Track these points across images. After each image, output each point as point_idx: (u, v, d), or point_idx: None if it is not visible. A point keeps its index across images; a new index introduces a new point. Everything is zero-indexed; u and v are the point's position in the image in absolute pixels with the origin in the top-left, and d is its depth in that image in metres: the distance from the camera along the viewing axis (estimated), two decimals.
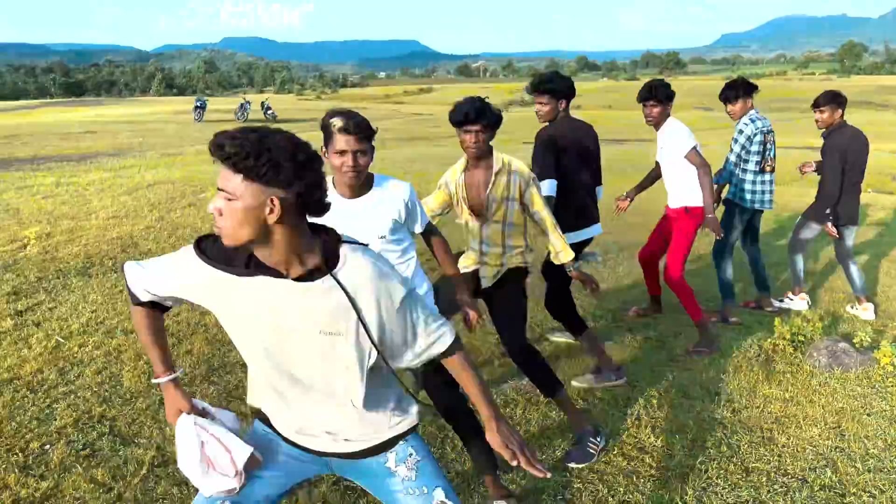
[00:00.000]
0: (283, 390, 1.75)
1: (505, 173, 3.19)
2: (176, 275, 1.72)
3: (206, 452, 1.71)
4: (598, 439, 3.19)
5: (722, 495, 2.88)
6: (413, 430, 1.89)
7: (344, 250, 1.64)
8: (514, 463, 1.75)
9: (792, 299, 5.30)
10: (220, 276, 1.64)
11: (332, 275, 1.61)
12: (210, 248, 1.67)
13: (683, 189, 4.46)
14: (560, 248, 3.33)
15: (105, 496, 2.81)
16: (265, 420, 1.88)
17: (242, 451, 1.72)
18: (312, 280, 1.61)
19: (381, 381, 1.79)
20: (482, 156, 3.17)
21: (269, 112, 31.33)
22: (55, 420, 3.40)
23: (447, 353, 1.80)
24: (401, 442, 1.86)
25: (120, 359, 4.17)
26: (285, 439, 1.85)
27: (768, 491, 2.91)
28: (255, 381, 1.84)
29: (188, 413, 1.80)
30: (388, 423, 1.83)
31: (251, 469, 1.76)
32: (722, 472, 3.06)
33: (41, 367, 4.01)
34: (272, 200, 1.49)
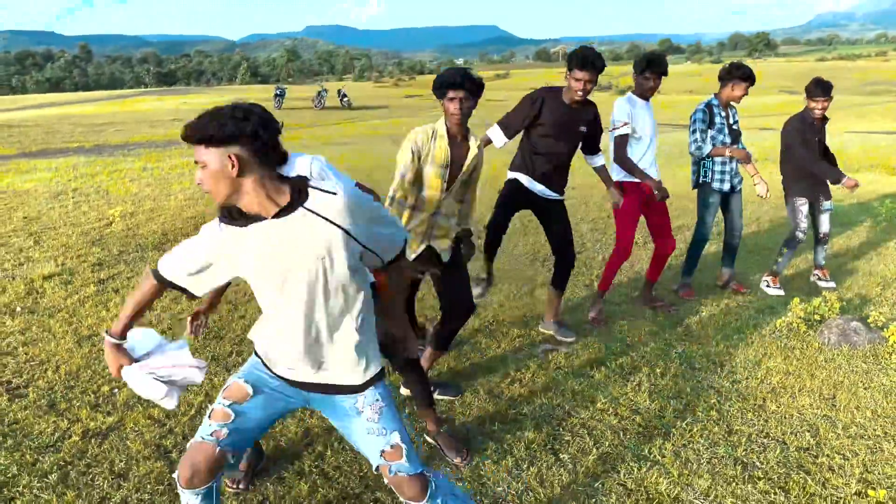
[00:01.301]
0: (286, 324, 2.08)
1: (477, 149, 3.41)
2: (203, 244, 2.05)
3: (162, 379, 2.18)
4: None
5: (699, 451, 3.14)
6: (381, 377, 2.22)
7: (313, 185, 1.97)
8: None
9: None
10: (231, 230, 1.98)
11: (303, 206, 1.93)
12: (223, 213, 2.03)
13: None
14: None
15: (159, 430, 3.32)
16: (261, 360, 2.22)
17: (183, 357, 2.22)
18: (288, 214, 1.93)
19: (364, 329, 2.14)
20: (463, 126, 3.33)
21: (345, 99, 32.22)
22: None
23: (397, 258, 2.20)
24: (371, 387, 2.18)
25: (182, 321, 4.71)
26: (274, 374, 2.20)
27: (745, 449, 3.15)
28: (262, 319, 2.19)
29: (129, 365, 2.19)
30: (362, 366, 2.15)
31: (240, 401, 2.15)
32: (706, 432, 3.30)
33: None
34: (230, 157, 1.86)
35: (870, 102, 31.84)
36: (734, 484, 2.90)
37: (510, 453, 3.12)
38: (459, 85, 3.20)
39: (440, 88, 3.26)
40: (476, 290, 4.21)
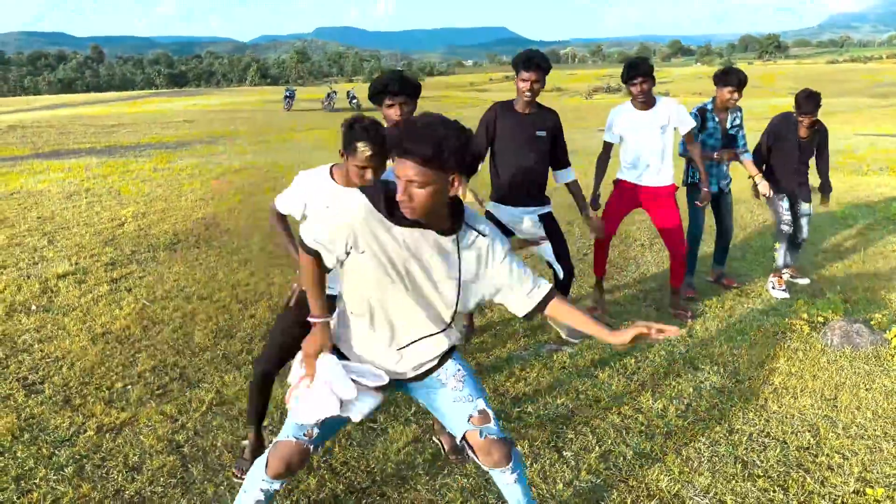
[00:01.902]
0: (381, 325, 2.18)
1: None
2: (337, 216, 2.08)
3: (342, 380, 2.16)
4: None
5: (700, 450, 3.19)
6: (455, 348, 2.35)
7: (467, 214, 2.11)
8: (653, 336, 2.14)
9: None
10: (378, 217, 2.04)
11: (463, 230, 2.09)
12: (378, 202, 2.05)
13: (672, 165, 4.79)
14: None
15: (172, 425, 3.40)
16: (339, 354, 2.29)
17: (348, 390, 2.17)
18: (451, 234, 2.07)
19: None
20: None
21: (354, 101, 32.30)
22: (136, 366, 4.04)
23: (549, 297, 2.21)
24: (449, 360, 2.32)
25: (194, 320, 4.80)
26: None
27: (745, 448, 3.20)
28: (349, 319, 2.23)
29: (328, 352, 2.22)
30: (443, 347, 2.27)
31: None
32: (707, 431, 3.36)
33: (129, 324, 4.68)
34: (454, 180, 1.95)
35: (879, 105, 31.69)
36: (734, 481, 2.95)
37: None
38: (399, 92, 3.17)
39: (378, 95, 3.21)
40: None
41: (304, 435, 2.19)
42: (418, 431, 3.35)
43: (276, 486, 2.27)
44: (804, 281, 5.64)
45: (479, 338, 4.50)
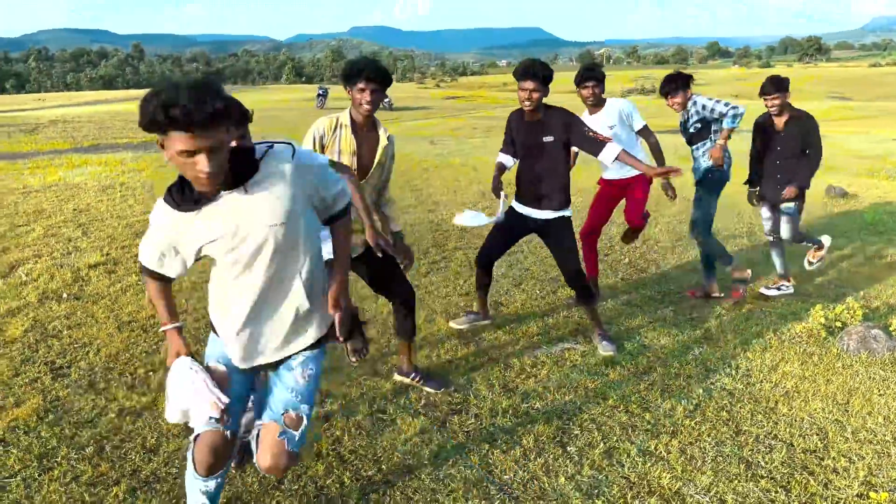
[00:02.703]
0: (244, 304, 2.15)
1: (387, 140, 3.51)
2: (161, 232, 2.12)
3: (196, 387, 2.17)
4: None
5: (705, 449, 3.21)
6: (321, 344, 2.34)
7: (259, 153, 2.04)
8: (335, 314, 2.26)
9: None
10: (184, 216, 2.03)
11: (254, 177, 2.01)
12: (171, 200, 2.03)
13: (644, 157, 4.98)
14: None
15: None
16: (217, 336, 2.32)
17: (218, 395, 2.18)
18: (242, 184, 2.00)
19: (317, 295, 2.26)
20: (371, 117, 3.45)
21: (387, 100, 32.55)
22: (159, 354, 4.18)
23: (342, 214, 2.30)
24: (314, 351, 2.31)
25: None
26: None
27: (751, 449, 3.21)
28: (217, 307, 2.25)
29: (185, 356, 2.25)
30: (306, 335, 2.28)
31: (223, 384, 2.23)
32: (714, 431, 3.37)
33: (154, 313, 4.83)
34: (229, 131, 1.88)
35: None
36: (736, 481, 2.96)
37: (519, 444, 3.24)
38: (373, 78, 3.25)
39: (351, 78, 3.28)
40: (463, 324, 4.57)
41: (217, 422, 2.18)
42: (426, 423, 3.42)
43: (212, 484, 2.26)
44: (788, 291, 5.42)
45: (492, 333, 4.56)
